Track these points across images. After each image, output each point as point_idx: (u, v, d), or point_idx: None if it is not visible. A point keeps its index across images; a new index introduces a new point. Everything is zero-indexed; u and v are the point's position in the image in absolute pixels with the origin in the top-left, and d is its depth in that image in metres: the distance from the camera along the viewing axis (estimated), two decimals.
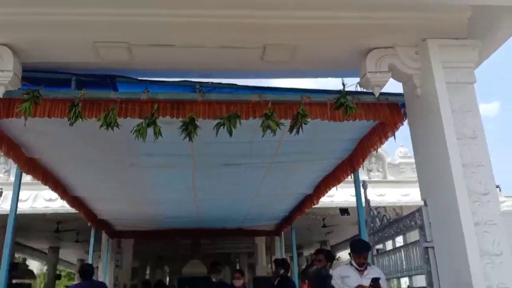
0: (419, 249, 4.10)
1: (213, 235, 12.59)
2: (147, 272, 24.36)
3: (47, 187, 6.71)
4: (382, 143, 5.14)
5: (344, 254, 25.28)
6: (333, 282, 4.38)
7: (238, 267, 21.25)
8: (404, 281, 4.92)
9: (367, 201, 5.97)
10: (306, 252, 24.72)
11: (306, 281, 3.39)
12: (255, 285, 11.25)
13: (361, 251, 4.37)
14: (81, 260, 24.79)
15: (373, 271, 4.32)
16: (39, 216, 12.52)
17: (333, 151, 6.00)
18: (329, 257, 5.33)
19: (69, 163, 5.97)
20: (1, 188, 5.81)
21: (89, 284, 6.37)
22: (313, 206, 9.01)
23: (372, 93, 4.22)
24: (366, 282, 4.11)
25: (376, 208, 5.78)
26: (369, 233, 5.67)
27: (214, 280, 6.60)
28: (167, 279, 24.08)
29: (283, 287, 5.98)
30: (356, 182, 6.25)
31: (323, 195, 8.03)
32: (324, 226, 15.92)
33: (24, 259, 20.85)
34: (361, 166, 6.10)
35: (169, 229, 11.76)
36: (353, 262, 4.40)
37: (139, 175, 6.49)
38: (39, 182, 11.11)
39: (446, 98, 3.74)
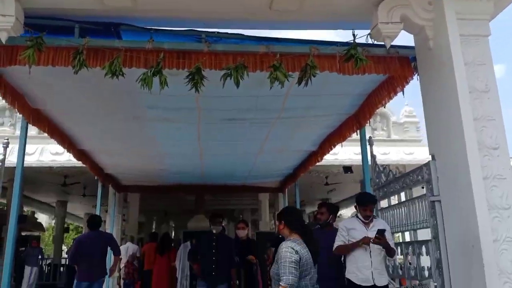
0: (425, 203, 4.10)
1: (217, 191, 12.71)
2: (153, 226, 24.87)
3: (53, 140, 6.75)
4: (390, 98, 5.06)
5: (346, 212, 25.62)
6: (338, 234, 4.42)
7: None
8: (408, 234, 4.93)
9: (373, 157, 5.95)
10: (308, 210, 25.08)
11: (282, 221, 3.45)
12: (258, 239, 11.49)
13: (367, 203, 4.37)
14: (89, 214, 25.34)
15: (378, 223, 4.33)
16: (46, 169, 12.64)
17: (340, 106, 5.93)
18: (332, 209, 5.30)
19: (74, 116, 5.94)
20: (7, 139, 5.79)
21: (96, 234, 6.66)
22: (316, 164, 9.04)
23: (382, 46, 4.11)
24: (372, 234, 4.13)
25: (382, 165, 5.75)
26: (374, 189, 5.69)
27: (214, 231, 6.42)
28: (173, 233, 24.55)
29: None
30: (362, 138, 6.21)
31: (328, 152, 8.00)
32: (327, 184, 16.04)
33: (33, 212, 21.31)
34: (368, 122, 6.04)
35: (174, 185, 11.88)
36: (359, 215, 4.41)
37: (144, 129, 6.47)
38: (45, 135, 11.19)
39: (459, 51, 3.65)
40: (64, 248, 25.09)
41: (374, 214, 4.58)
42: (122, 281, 10.50)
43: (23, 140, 5.40)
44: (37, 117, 5.52)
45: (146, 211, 22.30)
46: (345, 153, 12.50)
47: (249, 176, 10.89)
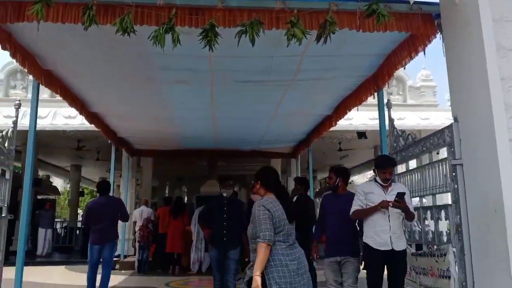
0: (445, 167, 3.99)
1: (229, 156, 12.69)
2: (166, 191, 25.16)
3: (66, 104, 6.70)
4: (411, 58, 4.86)
5: (358, 179, 25.57)
6: (356, 198, 4.33)
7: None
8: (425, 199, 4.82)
9: (391, 120, 5.79)
10: (320, 176, 25.09)
11: (258, 181, 3.52)
12: None
13: (386, 166, 4.23)
14: (103, 178, 25.67)
15: (397, 187, 4.22)
16: (59, 133, 12.70)
17: (357, 67, 5.74)
18: (339, 172, 5.08)
19: (86, 77, 5.85)
20: (19, 100, 5.75)
21: (106, 199, 6.82)
22: (330, 129, 8.93)
23: (405, 2, 3.91)
24: (390, 198, 4.02)
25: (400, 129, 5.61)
26: (391, 153, 5.56)
27: (225, 195, 6.00)
28: (185, 198, 24.83)
29: (301, 204, 5.93)
30: (380, 101, 6.03)
31: (342, 116, 7.85)
32: (340, 150, 15.92)
33: (48, 176, 21.62)
34: (386, 84, 5.85)
35: (187, 149, 11.88)
36: (377, 178, 4.29)
37: (156, 91, 6.37)
38: (58, 99, 11.12)
39: (487, 7, 3.44)
40: (80, 211, 25.55)
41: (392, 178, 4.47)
42: (137, 244, 10.65)
43: (35, 101, 5.33)
44: (49, 78, 5.44)
45: (159, 176, 22.51)
46: (360, 118, 12.30)
47: (261, 141, 10.82)
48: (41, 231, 14.93)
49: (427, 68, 14.67)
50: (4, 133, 5.06)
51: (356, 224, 4.54)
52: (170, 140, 10.48)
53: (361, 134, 13.02)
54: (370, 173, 26.04)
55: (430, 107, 13.89)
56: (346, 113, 7.67)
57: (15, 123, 5.32)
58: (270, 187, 3.51)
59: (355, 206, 4.29)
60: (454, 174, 3.75)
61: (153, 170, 16.04)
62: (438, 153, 4.90)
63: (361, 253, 4.52)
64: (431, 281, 4.18)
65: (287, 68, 5.55)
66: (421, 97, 14.16)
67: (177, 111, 7.65)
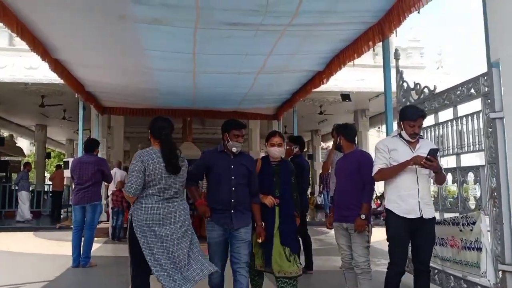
0: (477, 122, 3.40)
1: (207, 116, 11.87)
2: None
3: (26, 54, 5.83)
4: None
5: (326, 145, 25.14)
6: (378, 155, 3.71)
7: None
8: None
9: (399, 73, 5.16)
10: None
11: (149, 131, 3.68)
12: None
13: (416, 116, 3.57)
14: (70, 140, 24.51)
15: (426, 144, 3.62)
16: (21, 87, 11.67)
17: (363, 11, 5.05)
18: (338, 129, 4.62)
19: (46, 11, 4.95)
20: None
21: (89, 158, 6.78)
22: (313, 90, 8.34)
23: None
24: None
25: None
26: (399, 109, 4.96)
27: (234, 150, 4.61)
28: None
29: (297, 166, 5.25)
30: (385, 50, 5.39)
31: (335, 72, 7.17)
32: (320, 113, 15.41)
33: (11, 136, 20.37)
34: (394, 32, 5.18)
35: (162, 108, 11.00)
36: (403, 133, 3.66)
37: (129, 33, 5.51)
38: (18, 48, 10.06)
39: None
40: (47, 174, 24.42)
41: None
42: (110, 210, 9.92)
43: None
44: (2, 10, 4.52)
45: (131, 139, 21.64)
46: (346, 78, 11.71)
47: (243, 101, 10.08)
48: (24, 195, 13.86)
49: (414, 28, 14.07)
50: None
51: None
52: (144, 97, 9.61)
53: (346, 96, 12.49)
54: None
55: (417, 70, 13.40)
56: (339, 69, 7.00)
57: None
58: (157, 137, 3.58)
59: (378, 165, 3.67)
60: (490, 129, 3.16)
61: (124, 132, 15.18)
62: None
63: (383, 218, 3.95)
64: (450, 252, 3.67)
65: (284, 8, 4.81)
66: (408, 59, 13.64)
67: (153, 61, 6.81)
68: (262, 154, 19.22)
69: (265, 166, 4.33)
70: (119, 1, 4.54)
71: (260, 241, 4.01)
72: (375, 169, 3.70)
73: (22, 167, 15.45)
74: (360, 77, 11.59)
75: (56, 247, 8.56)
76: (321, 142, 22.77)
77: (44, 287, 5.43)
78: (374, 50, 12.36)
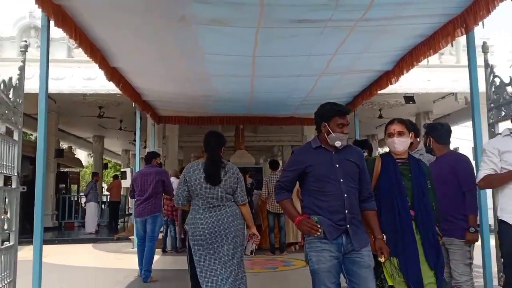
0: None
1: (262, 123, 11.52)
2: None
3: (85, 65, 5.72)
4: None
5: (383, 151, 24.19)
6: (485, 159, 3.18)
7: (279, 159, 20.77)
8: None
9: (490, 67, 4.57)
10: None
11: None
12: None
13: None
14: (126, 151, 24.99)
15: None
16: (79, 98, 11.83)
17: (445, 1, 4.53)
18: (430, 130, 4.13)
19: (104, 17, 4.77)
20: (26, 40, 4.71)
21: (149, 169, 6.78)
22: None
23: None
24: None
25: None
26: (489, 108, 4.39)
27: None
28: None
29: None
30: (470, 44, 4.83)
31: (406, 71, 6.61)
32: (380, 116, 14.68)
33: (70, 147, 20.98)
34: (480, 23, 4.61)
35: (216, 116, 10.85)
36: None
37: (190, 37, 5.25)
38: (76, 59, 10.09)
39: None
40: (104, 185, 25.00)
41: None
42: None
43: (45, 45, 4.30)
44: (61, 15, 4.36)
45: (185, 148, 21.72)
46: (410, 80, 11.01)
47: (301, 106, 9.68)
48: (93, 206, 13.83)
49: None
50: (7, 80, 3.94)
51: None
52: (199, 104, 9.42)
53: (409, 99, 11.79)
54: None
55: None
56: (410, 68, 6.47)
57: (22, 69, 4.28)
58: (206, 150, 3.91)
59: (484, 170, 3.14)
60: None
61: (178, 142, 15.16)
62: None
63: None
64: None
65: (357, 1, 4.37)
66: (479, 57, 12.69)
67: (211, 65, 6.56)
68: None
69: (387, 165, 3.26)
70: (180, 1, 4.27)
71: (383, 260, 3.01)
72: (481, 175, 3.18)
73: (91, 178, 15.61)
74: (425, 77, 10.88)
75: (115, 260, 8.47)
76: (378, 148, 21.90)
77: None
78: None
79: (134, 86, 7.90)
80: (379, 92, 7.98)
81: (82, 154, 30.99)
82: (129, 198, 13.23)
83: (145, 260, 6.45)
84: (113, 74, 6.67)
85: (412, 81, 10.86)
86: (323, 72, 6.89)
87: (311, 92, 8.28)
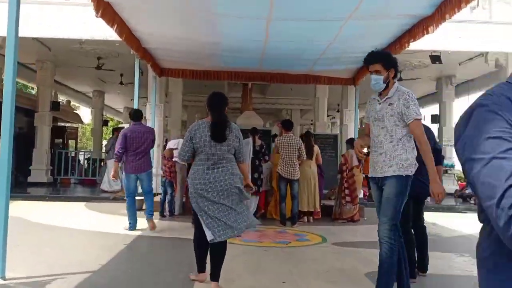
0: None
1: (274, 80, 10.51)
2: None
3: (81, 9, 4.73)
4: None
5: None
6: None
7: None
8: None
9: None
10: (361, 114, 22.90)
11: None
12: (307, 140, 8.75)
13: None
14: (128, 108, 24.09)
15: None
16: (76, 46, 10.89)
17: None
18: None
19: None
20: None
21: (140, 127, 6.92)
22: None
23: None
24: None
25: None
26: None
27: None
28: None
29: None
30: None
31: (450, 16, 5.61)
32: (400, 79, 13.60)
33: (68, 101, 20.03)
34: None
35: (224, 71, 9.91)
36: None
37: None
38: (69, 1, 8.81)
39: None
40: (104, 142, 24.25)
41: None
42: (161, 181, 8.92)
43: None
44: None
45: (189, 107, 20.82)
46: (437, 37, 9.91)
47: (318, 61, 8.69)
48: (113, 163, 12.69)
49: None
50: None
51: None
52: (205, 54, 8.44)
53: (436, 58, 10.75)
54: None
55: None
56: (454, 13, 5.45)
57: None
58: (209, 110, 3.97)
59: None
60: None
61: (182, 101, 14.22)
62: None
63: None
64: None
65: None
66: None
67: (221, 5, 5.59)
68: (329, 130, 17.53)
69: None
70: None
71: None
72: None
73: (111, 134, 14.71)
74: (456, 34, 9.76)
75: (106, 223, 7.66)
76: None
77: (94, 273, 4.43)
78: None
79: (132, 29, 6.94)
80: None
81: (86, 112, 30.09)
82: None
83: (148, 207, 6.91)
84: (106, 10, 5.69)
85: (440, 37, 9.75)
86: (350, 16, 5.88)
87: (334, 42, 7.27)
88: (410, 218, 4.40)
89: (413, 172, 3.54)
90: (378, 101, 3.68)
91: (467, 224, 8.33)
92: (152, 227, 6.78)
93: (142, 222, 6.94)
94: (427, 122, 19.49)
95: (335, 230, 6.87)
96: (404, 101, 3.50)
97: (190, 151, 3.92)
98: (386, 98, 3.61)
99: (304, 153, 7.79)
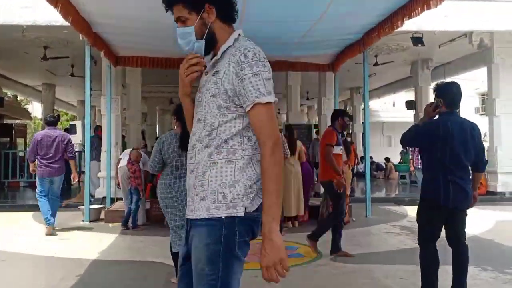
0: None
1: None
2: (157, 118, 22.23)
3: None
4: None
5: (373, 104, 22.17)
6: None
7: None
8: None
9: None
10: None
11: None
12: (289, 135, 7.74)
13: None
14: (82, 102, 22.44)
15: None
16: (18, 35, 9.54)
17: None
18: None
19: None
20: None
21: (53, 132, 6.93)
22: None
23: None
24: None
25: None
26: None
27: None
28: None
29: None
30: None
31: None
32: (376, 64, 12.86)
33: (15, 96, 18.27)
34: None
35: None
36: None
37: None
38: None
39: None
40: None
41: None
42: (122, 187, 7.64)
43: None
44: None
45: (148, 99, 19.55)
46: (420, 19, 9.15)
47: (298, 45, 7.78)
48: (96, 166, 10.54)
49: None
50: None
51: None
52: (167, 39, 7.24)
53: (418, 40, 10.03)
54: (388, 98, 22.86)
55: None
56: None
57: None
58: (179, 120, 4.02)
59: None
60: None
61: (141, 92, 12.97)
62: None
63: None
64: None
65: None
66: None
67: None
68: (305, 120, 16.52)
69: None
70: None
71: None
72: None
73: (93, 131, 12.31)
74: (442, 13, 8.97)
75: (56, 241, 6.36)
76: (362, 102, 20.21)
77: None
78: None
79: (79, 9, 5.81)
80: None
81: (38, 106, 28.02)
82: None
83: (52, 213, 6.84)
84: None
85: (426, 18, 8.99)
86: None
87: (317, 23, 6.36)
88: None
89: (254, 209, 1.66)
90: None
91: None
92: (49, 233, 6.72)
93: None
94: (401, 108, 18.71)
95: (327, 237, 5.78)
96: (236, 66, 1.65)
97: (160, 162, 4.03)
98: (214, 63, 1.77)
99: (288, 149, 6.82)
